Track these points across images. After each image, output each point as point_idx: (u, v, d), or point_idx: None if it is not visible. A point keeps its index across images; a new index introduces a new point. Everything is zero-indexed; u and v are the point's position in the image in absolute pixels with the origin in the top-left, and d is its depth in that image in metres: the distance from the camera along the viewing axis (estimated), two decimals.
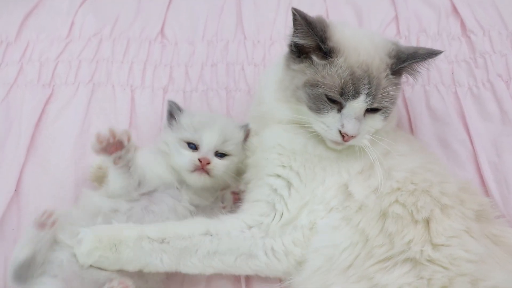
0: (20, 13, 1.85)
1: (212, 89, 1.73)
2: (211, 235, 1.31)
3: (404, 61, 1.30)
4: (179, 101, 1.69)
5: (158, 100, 1.72)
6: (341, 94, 1.27)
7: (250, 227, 1.33)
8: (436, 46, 1.72)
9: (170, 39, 1.82)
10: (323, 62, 1.30)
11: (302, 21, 1.27)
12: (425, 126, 1.63)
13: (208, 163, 1.38)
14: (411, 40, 1.73)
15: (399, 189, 1.29)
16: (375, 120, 1.33)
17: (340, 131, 1.29)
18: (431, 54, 1.32)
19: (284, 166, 1.36)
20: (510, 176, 1.53)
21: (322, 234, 1.32)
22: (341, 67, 1.28)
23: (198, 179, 1.40)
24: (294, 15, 1.28)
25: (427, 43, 1.73)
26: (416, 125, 1.63)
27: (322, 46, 1.28)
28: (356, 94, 1.27)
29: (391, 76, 1.31)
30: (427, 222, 1.25)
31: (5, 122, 1.65)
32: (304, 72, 1.32)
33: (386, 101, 1.31)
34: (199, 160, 1.38)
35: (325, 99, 1.29)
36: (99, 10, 1.86)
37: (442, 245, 1.22)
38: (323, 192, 1.34)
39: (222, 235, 1.31)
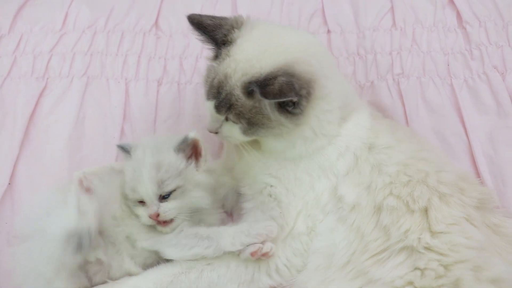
0: (14, 5, 1.83)
1: None
2: (209, 270, 1.29)
3: (256, 85, 1.24)
4: (173, 93, 1.71)
5: (153, 92, 1.71)
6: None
7: None
8: (432, 38, 1.71)
9: (165, 31, 1.81)
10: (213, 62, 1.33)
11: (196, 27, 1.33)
12: (420, 118, 1.62)
13: (158, 215, 1.27)
14: (407, 32, 1.72)
15: (392, 182, 1.29)
16: (232, 130, 1.31)
17: None
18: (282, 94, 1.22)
19: (268, 174, 1.36)
20: (506, 169, 1.52)
21: (321, 236, 1.32)
22: (214, 70, 1.30)
23: (166, 230, 1.31)
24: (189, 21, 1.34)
25: (422, 35, 1.71)
26: (411, 117, 1.62)
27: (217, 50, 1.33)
28: (208, 97, 1.31)
29: (241, 95, 1.26)
30: (425, 210, 1.24)
31: None
32: None
33: (237, 118, 1.28)
34: (150, 217, 1.28)
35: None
36: (93, 2, 1.85)
37: (442, 232, 1.21)
38: (316, 198, 1.33)
39: (221, 267, 1.29)
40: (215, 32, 1.31)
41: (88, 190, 1.22)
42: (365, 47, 1.72)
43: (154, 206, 1.26)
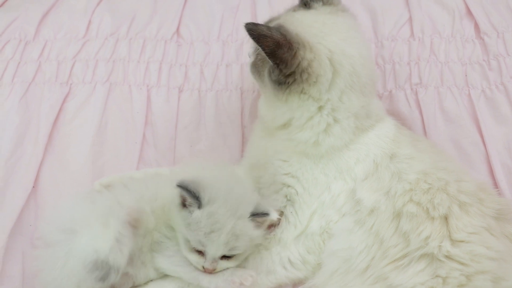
0: (38, 12, 1.87)
1: (227, 89, 1.74)
2: None
3: None
4: (194, 100, 1.74)
5: (174, 99, 1.73)
6: None
7: (266, 249, 1.35)
8: (450, 48, 1.72)
9: (186, 39, 1.83)
10: None
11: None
12: (438, 128, 1.64)
13: (214, 270, 1.25)
14: (425, 42, 1.74)
15: (412, 189, 1.30)
16: (251, 60, 1.39)
17: None
18: None
19: (287, 174, 1.39)
20: None
21: (337, 238, 1.33)
22: (287, 11, 1.46)
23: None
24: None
25: (440, 45, 1.73)
26: (429, 127, 1.64)
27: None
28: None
29: None
30: (446, 218, 1.25)
31: (23, 120, 1.67)
32: None
33: (254, 51, 1.38)
34: (203, 267, 1.25)
35: None
36: (115, 10, 1.88)
37: (462, 241, 1.21)
38: (332, 199, 1.35)
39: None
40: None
41: (135, 225, 1.23)
42: (384, 56, 1.74)
43: (214, 263, 1.24)
